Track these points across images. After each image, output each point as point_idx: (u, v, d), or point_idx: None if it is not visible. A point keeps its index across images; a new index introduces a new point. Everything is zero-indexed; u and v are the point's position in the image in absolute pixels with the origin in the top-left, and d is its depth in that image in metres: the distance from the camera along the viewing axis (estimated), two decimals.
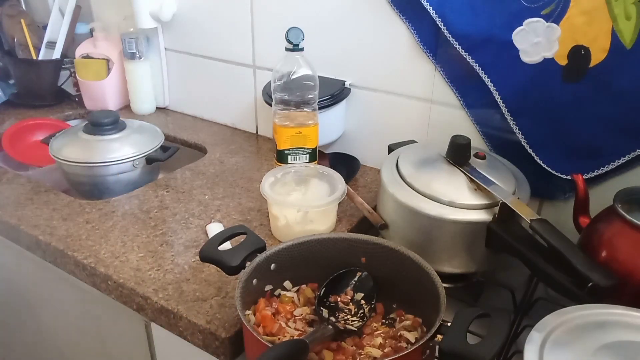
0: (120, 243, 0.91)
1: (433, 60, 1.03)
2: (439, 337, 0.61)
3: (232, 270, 0.71)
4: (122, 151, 1.10)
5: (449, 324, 0.61)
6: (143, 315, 0.83)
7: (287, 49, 0.98)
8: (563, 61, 0.87)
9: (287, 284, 0.77)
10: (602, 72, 0.84)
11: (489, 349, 0.57)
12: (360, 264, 0.78)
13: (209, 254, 0.72)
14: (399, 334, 0.70)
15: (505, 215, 0.78)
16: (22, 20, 1.48)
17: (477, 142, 1.01)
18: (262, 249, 0.74)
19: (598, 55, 0.83)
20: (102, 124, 1.13)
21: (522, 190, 0.84)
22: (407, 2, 1.00)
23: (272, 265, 0.74)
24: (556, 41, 0.86)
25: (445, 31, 0.96)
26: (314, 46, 1.02)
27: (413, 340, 0.69)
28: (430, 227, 0.81)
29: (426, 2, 0.96)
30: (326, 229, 0.91)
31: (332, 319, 0.71)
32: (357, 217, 0.98)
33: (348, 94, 1.14)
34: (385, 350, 0.67)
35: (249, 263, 0.71)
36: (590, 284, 0.66)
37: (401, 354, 0.59)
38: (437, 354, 0.66)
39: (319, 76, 1.00)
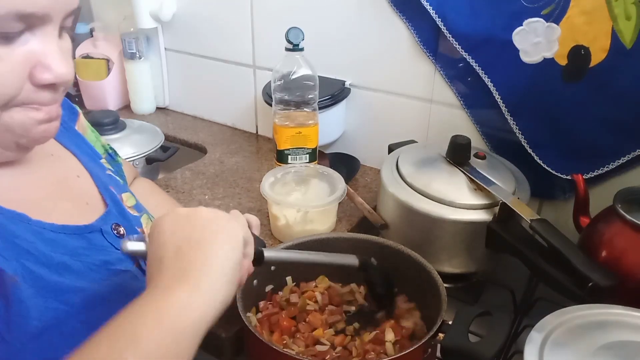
0: None
1: (433, 60, 1.03)
2: (441, 335, 0.61)
3: None
4: (122, 151, 1.09)
5: (450, 323, 0.61)
6: None
7: (287, 49, 0.97)
8: (563, 61, 0.87)
9: (288, 279, 0.77)
10: (602, 72, 0.84)
11: (490, 346, 0.58)
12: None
13: None
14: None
15: (505, 215, 0.78)
16: None
17: (477, 142, 1.01)
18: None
19: (598, 55, 0.83)
20: (102, 124, 1.13)
21: (522, 190, 0.84)
22: (407, 2, 1.00)
23: (272, 267, 0.74)
24: (556, 41, 0.86)
25: (445, 31, 0.96)
26: (314, 46, 1.02)
27: (411, 326, 0.70)
28: (430, 227, 0.81)
29: (426, 2, 0.96)
30: (326, 229, 0.91)
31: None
32: (357, 217, 0.98)
33: (348, 94, 1.14)
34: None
35: None
36: (590, 284, 0.66)
37: (403, 353, 0.59)
38: (438, 354, 0.66)
39: (319, 76, 1.00)
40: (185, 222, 0.50)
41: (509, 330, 0.76)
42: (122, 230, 0.60)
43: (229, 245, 0.49)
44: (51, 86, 0.49)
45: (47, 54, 0.48)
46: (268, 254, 0.61)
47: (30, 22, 0.46)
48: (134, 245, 0.54)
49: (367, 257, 0.75)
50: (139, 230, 0.63)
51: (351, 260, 0.72)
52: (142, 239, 0.55)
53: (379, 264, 0.76)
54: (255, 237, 0.75)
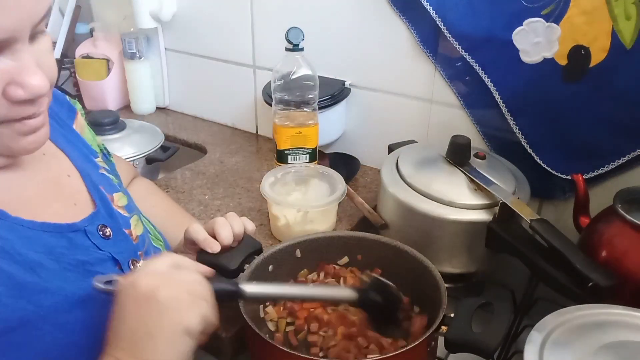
0: None
1: (433, 60, 1.03)
2: (444, 328, 0.62)
3: (231, 274, 0.71)
4: (122, 151, 1.11)
5: (452, 316, 0.61)
6: None
7: (287, 49, 0.97)
8: (563, 61, 0.87)
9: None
10: (602, 72, 0.84)
11: (494, 335, 0.58)
12: (357, 261, 0.78)
13: (206, 258, 0.72)
14: None
15: (505, 215, 0.78)
16: None
17: (477, 142, 1.01)
18: (259, 251, 0.74)
19: (598, 55, 0.83)
20: (102, 124, 1.13)
21: (522, 190, 0.84)
22: (407, 2, 1.00)
23: (270, 267, 0.75)
24: (556, 41, 0.86)
25: (445, 31, 0.96)
26: (314, 46, 1.02)
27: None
28: (430, 227, 0.81)
29: (426, 2, 0.96)
30: (326, 229, 0.91)
31: None
32: (357, 217, 0.98)
33: (348, 94, 1.14)
34: None
35: (247, 266, 0.71)
36: (590, 284, 0.66)
37: (407, 348, 0.59)
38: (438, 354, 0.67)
39: (319, 76, 1.00)
40: (144, 306, 0.50)
41: (512, 317, 0.76)
42: (108, 231, 0.60)
43: (183, 339, 0.50)
44: (28, 100, 0.48)
45: (19, 70, 0.47)
46: (250, 290, 0.60)
47: None
48: (101, 286, 0.54)
49: (366, 290, 0.67)
50: (115, 275, 0.61)
51: (348, 294, 0.66)
52: (111, 283, 0.54)
53: (382, 289, 0.67)
54: (251, 239, 0.75)
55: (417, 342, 0.60)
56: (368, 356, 0.66)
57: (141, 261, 0.63)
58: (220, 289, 0.57)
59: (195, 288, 0.53)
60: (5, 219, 0.51)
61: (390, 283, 0.67)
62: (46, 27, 0.51)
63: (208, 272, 0.59)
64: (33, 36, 0.49)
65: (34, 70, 0.48)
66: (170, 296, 0.51)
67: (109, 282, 0.54)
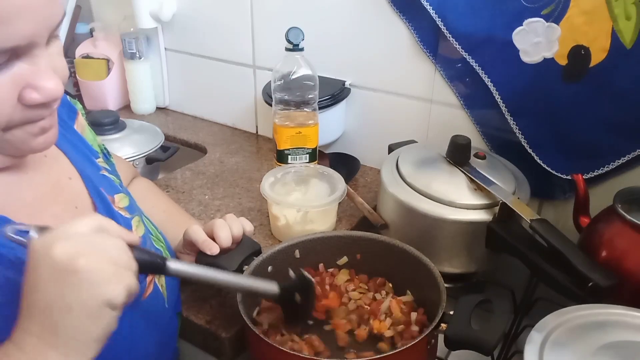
0: None
1: (433, 60, 1.03)
2: (443, 325, 0.62)
3: None
4: (122, 151, 1.11)
5: (451, 313, 0.62)
6: None
7: (287, 49, 0.97)
8: (563, 61, 0.87)
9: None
10: (602, 72, 0.84)
11: (494, 331, 0.58)
12: (356, 261, 0.78)
13: (205, 260, 0.72)
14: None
15: (505, 215, 0.78)
16: None
17: (477, 142, 1.01)
18: (258, 252, 0.74)
19: (598, 55, 0.83)
20: (102, 124, 1.13)
21: (522, 190, 0.84)
22: (407, 2, 1.00)
23: (269, 268, 0.74)
24: (556, 41, 0.86)
25: (445, 31, 0.96)
26: (314, 46, 1.02)
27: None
28: (430, 227, 0.81)
29: (426, 2, 0.96)
30: (326, 229, 0.91)
31: None
32: (357, 217, 0.98)
33: (348, 94, 1.14)
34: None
35: (246, 267, 0.71)
36: (590, 284, 0.66)
37: (406, 346, 0.59)
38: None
39: (319, 76, 1.00)
40: (61, 277, 0.45)
41: (511, 313, 0.76)
42: None
43: (106, 312, 0.46)
44: (43, 104, 0.49)
45: (35, 74, 0.47)
46: (174, 267, 0.56)
47: (16, 51, 0.45)
48: (12, 236, 0.48)
49: (289, 288, 0.68)
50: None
51: (270, 288, 0.66)
52: (25, 234, 0.48)
53: (298, 280, 0.69)
54: (250, 241, 0.75)
55: (416, 340, 0.60)
56: (368, 355, 0.66)
57: None
58: (145, 260, 0.52)
59: (119, 256, 0.48)
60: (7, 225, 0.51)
61: (312, 280, 0.68)
62: None
63: (134, 240, 0.52)
64: (48, 40, 0.49)
65: (49, 75, 0.48)
66: (91, 266, 0.45)
67: (23, 232, 0.48)
